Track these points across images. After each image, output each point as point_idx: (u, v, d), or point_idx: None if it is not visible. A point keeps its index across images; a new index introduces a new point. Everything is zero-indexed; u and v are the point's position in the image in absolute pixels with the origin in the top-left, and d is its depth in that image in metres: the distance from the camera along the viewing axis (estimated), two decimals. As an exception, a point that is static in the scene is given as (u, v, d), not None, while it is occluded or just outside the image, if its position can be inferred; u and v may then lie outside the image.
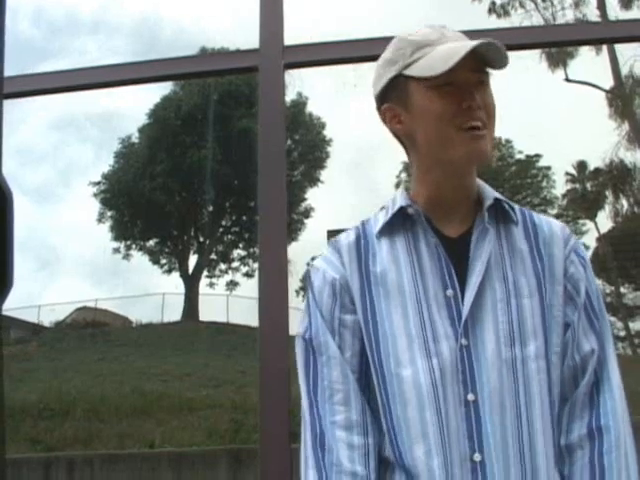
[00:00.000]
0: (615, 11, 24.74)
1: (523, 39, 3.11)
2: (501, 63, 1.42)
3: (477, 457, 1.32)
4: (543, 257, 1.48)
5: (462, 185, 1.51)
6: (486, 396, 1.34)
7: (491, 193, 1.52)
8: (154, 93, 28.26)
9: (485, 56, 1.40)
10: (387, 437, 1.40)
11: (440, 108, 1.41)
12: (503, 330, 1.38)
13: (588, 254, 1.53)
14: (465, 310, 1.39)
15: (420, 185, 1.53)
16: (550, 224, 1.55)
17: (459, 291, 1.42)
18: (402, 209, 1.50)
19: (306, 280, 1.57)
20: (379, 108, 1.56)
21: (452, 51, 1.38)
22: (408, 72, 1.45)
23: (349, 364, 1.43)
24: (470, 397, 1.34)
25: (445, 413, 1.34)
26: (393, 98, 1.50)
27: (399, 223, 1.51)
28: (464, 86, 1.41)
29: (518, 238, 1.50)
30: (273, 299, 2.65)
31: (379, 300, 1.45)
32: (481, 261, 1.43)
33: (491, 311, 1.40)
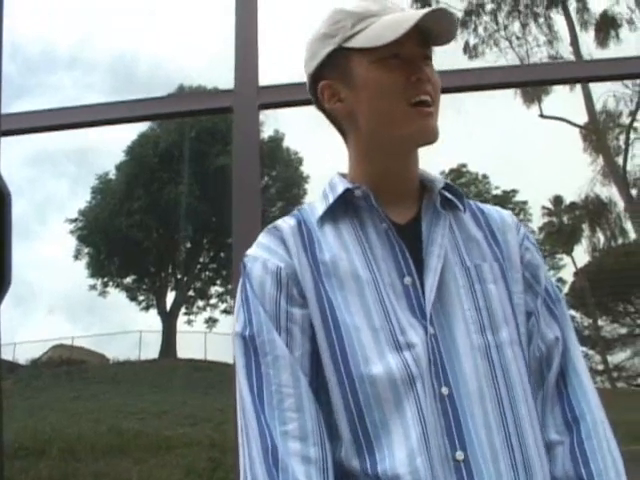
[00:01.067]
0: (588, 48, 25.13)
1: (499, 78, 3.14)
2: (448, 36, 1.33)
3: (459, 455, 1.18)
4: (500, 243, 1.39)
5: (406, 168, 1.41)
6: (462, 388, 1.22)
7: (439, 177, 1.42)
8: (131, 130, 28.28)
9: (431, 30, 1.32)
10: (353, 446, 1.22)
11: (387, 81, 1.31)
12: (471, 317, 1.28)
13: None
14: (429, 297, 1.27)
15: (360, 170, 1.42)
16: (499, 212, 1.48)
17: (417, 278, 1.29)
18: (347, 192, 1.37)
19: (242, 272, 1.36)
20: (314, 88, 1.44)
21: (401, 19, 1.29)
22: (350, 44, 1.34)
23: (299, 365, 1.25)
24: (444, 390, 1.21)
25: (425, 410, 1.19)
26: (332, 75, 1.39)
27: (341, 209, 1.38)
28: (411, 59, 1.32)
29: (469, 225, 1.41)
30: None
31: (333, 291, 1.29)
32: (438, 244, 1.32)
33: (455, 298, 1.29)
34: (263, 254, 1.35)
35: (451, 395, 1.22)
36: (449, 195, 1.41)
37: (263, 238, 1.39)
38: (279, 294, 1.30)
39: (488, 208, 1.49)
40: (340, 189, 1.39)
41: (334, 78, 1.39)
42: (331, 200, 1.39)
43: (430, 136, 1.34)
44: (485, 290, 1.32)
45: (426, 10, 1.28)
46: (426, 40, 1.34)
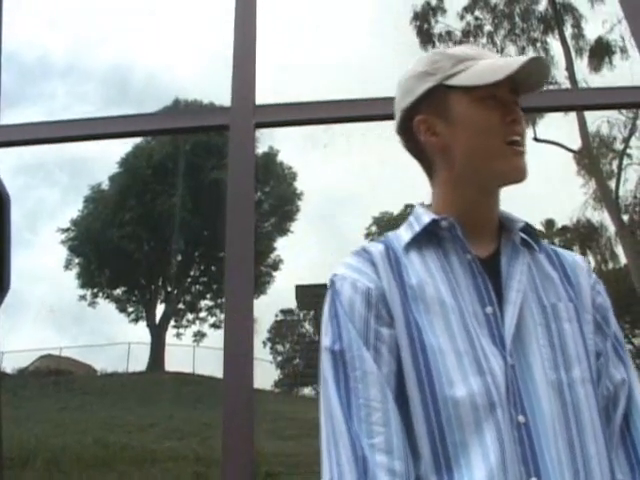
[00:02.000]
0: (583, 73, 25.25)
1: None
2: (539, 85, 1.45)
3: None
4: (573, 285, 1.46)
5: (492, 204, 1.49)
6: (538, 419, 1.25)
7: (519, 217, 1.50)
8: (125, 142, 28.23)
9: (522, 77, 1.41)
10: (433, 464, 1.24)
11: (486, 119, 1.40)
12: (546, 354, 1.32)
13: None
14: (509, 328, 1.32)
15: (447, 203, 1.48)
16: (571, 254, 1.55)
17: (498, 309, 1.34)
18: (433, 223, 1.44)
19: (330, 291, 1.42)
20: (406, 122, 1.51)
21: (503, 63, 1.40)
22: (451, 82, 1.43)
23: (387, 382, 1.29)
24: (521, 419, 1.25)
25: (504, 436, 1.23)
26: (428, 110, 1.47)
27: (425, 238, 1.44)
28: (506, 101, 1.42)
29: (545, 265, 1.47)
30: (238, 351, 2.65)
31: (420, 314, 1.34)
32: (517, 280, 1.38)
33: (532, 334, 1.34)
34: (353, 274, 1.40)
35: (527, 424, 1.25)
36: (524, 235, 1.48)
37: (352, 259, 1.44)
38: (368, 313, 1.35)
39: (561, 251, 1.55)
40: (426, 219, 1.45)
41: (430, 113, 1.47)
42: (417, 229, 1.45)
43: (521, 174, 1.43)
44: (560, 328, 1.37)
45: (526, 58, 1.37)
46: (516, 86, 1.44)
